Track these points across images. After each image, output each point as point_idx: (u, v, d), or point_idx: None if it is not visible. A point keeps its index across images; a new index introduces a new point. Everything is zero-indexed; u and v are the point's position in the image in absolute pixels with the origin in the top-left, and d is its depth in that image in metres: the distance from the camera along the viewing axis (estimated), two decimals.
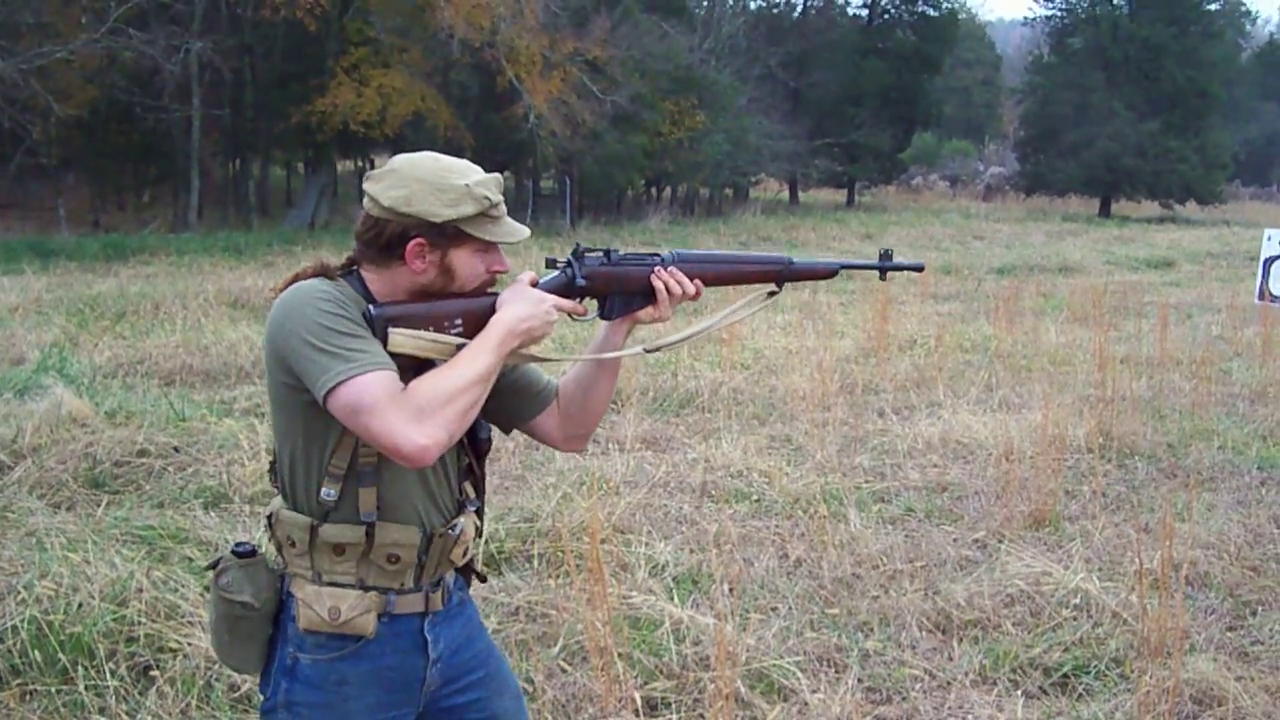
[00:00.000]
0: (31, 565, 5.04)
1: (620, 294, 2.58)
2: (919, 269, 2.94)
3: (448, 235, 2.34)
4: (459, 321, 2.40)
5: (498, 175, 2.42)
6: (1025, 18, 57.81)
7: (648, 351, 2.68)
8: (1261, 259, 13.72)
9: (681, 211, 40.46)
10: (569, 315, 2.53)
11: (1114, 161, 47.80)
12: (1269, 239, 12.91)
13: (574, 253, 2.57)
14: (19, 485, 6.68)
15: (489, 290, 2.47)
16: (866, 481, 7.47)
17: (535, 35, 28.87)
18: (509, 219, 2.43)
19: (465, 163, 2.41)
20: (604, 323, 2.62)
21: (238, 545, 2.43)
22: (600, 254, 2.57)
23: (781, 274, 2.71)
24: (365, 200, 2.38)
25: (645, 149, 33.66)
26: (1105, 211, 49.36)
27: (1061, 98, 49.74)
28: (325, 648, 2.38)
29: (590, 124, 30.02)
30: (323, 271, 2.39)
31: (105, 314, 13.65)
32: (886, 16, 51.48)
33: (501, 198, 2.40)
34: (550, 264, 2.61)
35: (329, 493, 2.33)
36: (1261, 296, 13.44)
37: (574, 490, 6.72)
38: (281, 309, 2.29)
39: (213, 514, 6.33)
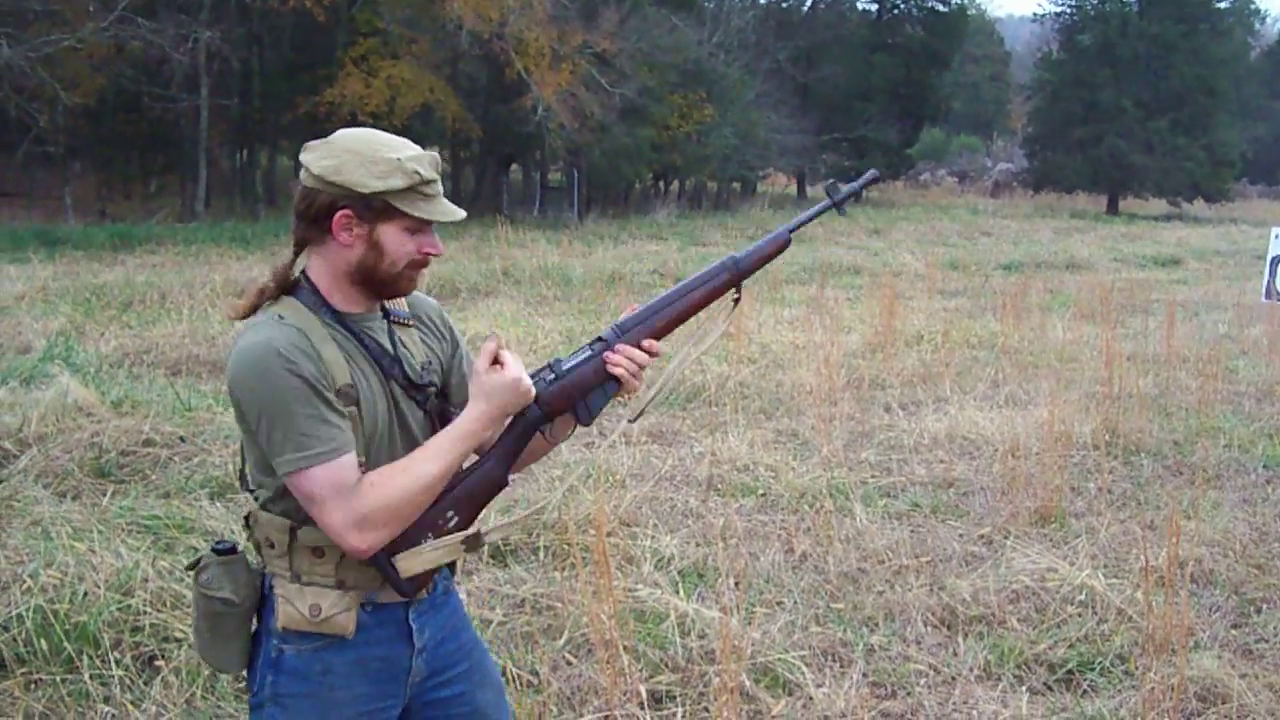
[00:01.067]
0: (37, 554, 5.05)
1: (583, 398, 2.50)
2: (875, 179, 2.80)
3: (375, 209, 2.29)
4: (451, 514, 2.41)
5: (434, 154, 2.37)
6: (1034, 14, 57.53)
7: (631, 422, 2.64)
8: (1269, 257, 13.65)
9: (689, 205, 40.43)
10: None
11: (1122, 159, 47.70)
12: (1276, 237, 12.84)
13: None
14: (25, 474, 6.68)
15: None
16: (872, 476, 7.47)
17: (544, 27, 28.84)
18: (444, 199, 2.38)
19: (403, 140, 2.37)
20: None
21: (218, 543, 2.43)
22: (545, 370, 2.49)
23: (733, 279, 2.59)
24: (301, 171, 2.35)
25: (653, 142, 33.64)
26: (1113, 208, 49.23)
27: (1070, 94, 49.62)
28: (309, 638, 2.38)
29: (598, 117, 30.01)
30: (281, 286, 2.36)
31: (111, 303, 13.66)
32: (896, 11, 51.36)
33: (436, 176, 2.35)
34: None
35: None
36: (1269, 295, 13.37)
37: (580, 483, 6.71)
38: (241, 365, 2.28)
39: (218, 504, 6.33)
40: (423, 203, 2.33)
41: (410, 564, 2.36)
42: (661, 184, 42.71)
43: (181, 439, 7.41)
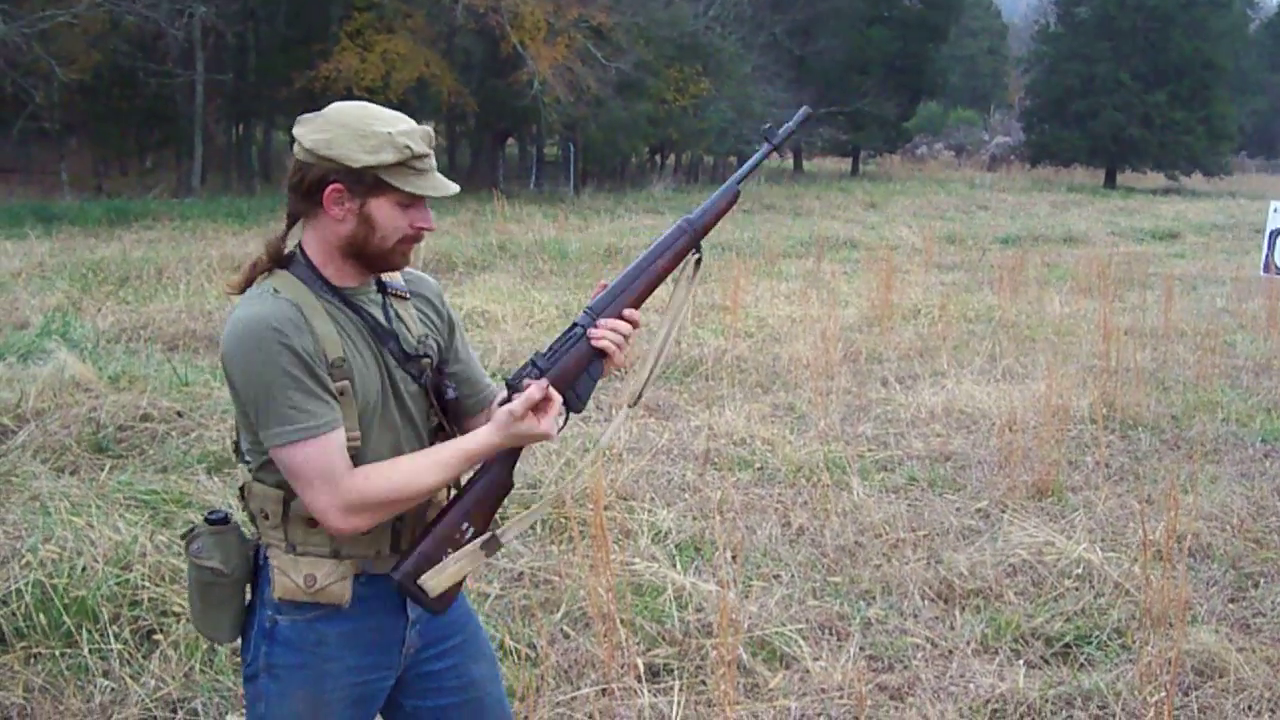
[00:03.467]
0: (35, 529, 5.06)
1: (573, 385, 2.48)
2: (806, 117, 2.77)
3: (366, 183, 2.28)
4: (466, 526, 2.41)
5: (427, 129, 2.35)
6: None
7: (631, 406, 2.60)
8: (1267, 231, 13.63)
9: (685, 179, 40.40)
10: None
11: (1120, 132, 47.61)
12: (1275, 211, 12.82)
13: (508, 385, 2.47)
14: (23, 449, 6.68)
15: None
16: (869, 450, 7.47)
17: (539, 1, 28.72)
18: (437, 174, 2.36)
19: (397, 114, 2.35)
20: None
21: (211, 513, 2.43)
22: (528, 367, 2.46)
23: (691, 239, 2.59)
24: (294, 145, 2.34)
25: (649, 116, 33.52)
26: (1110, 182, 49.19)
27: (1068, 67, 49.48)
28: (303, 608, 2.38)
29: (594, 91, 29.88)
30: (274, 258, 2.35)
31: (108, 279, 13.64)
32: None
33: (429, 151, 2.33)
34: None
35: None
36: (1267, 269, 13.36)
37: (577, 456, 6.72)
38: (233, 340, 2.26)
39: (215, 478, 6.33)
40: (414, 177, 2.31)
41: (437, 582, 2.36)
42: (658, 158, 42.64)
43: (178, 414, 7.42)
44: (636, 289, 2.54)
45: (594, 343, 2.46)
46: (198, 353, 9.79)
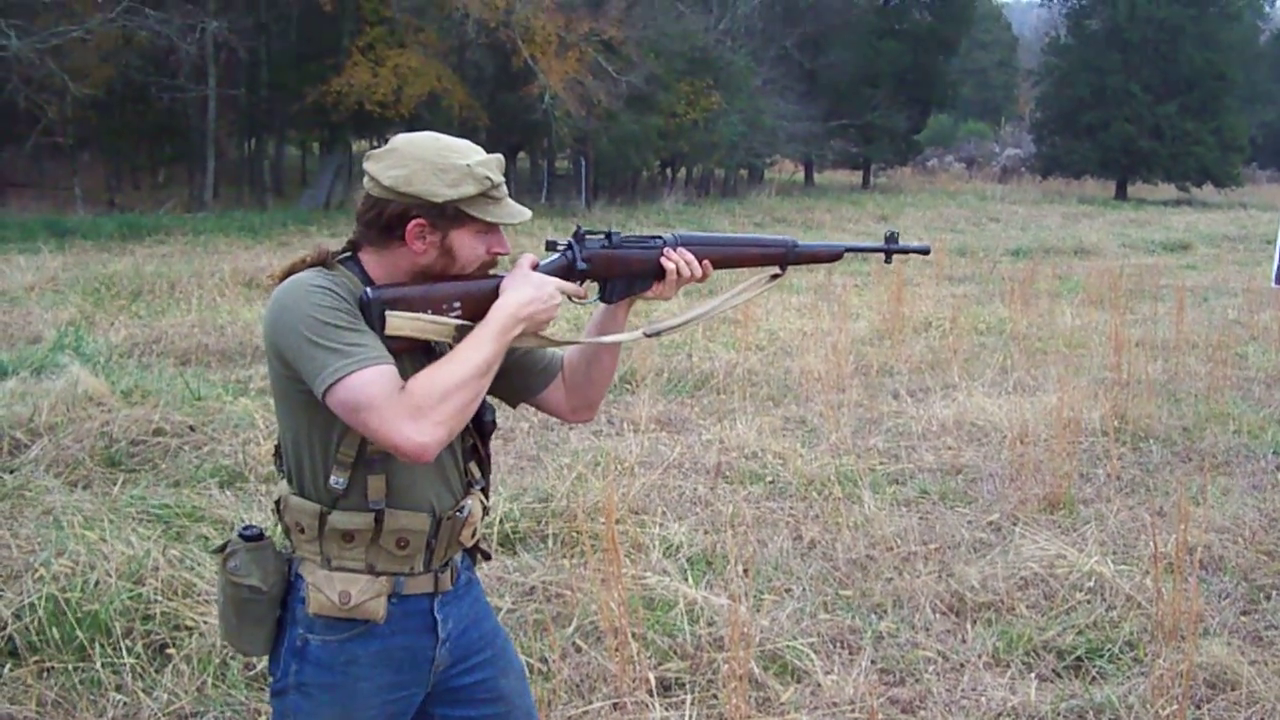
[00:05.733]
0: (48, 543, 5.07)
1: (622, 277, 2.54)
2: (925, 251, 2.86)
3: (448, 216, 2.32)
4: (457, 304, 2.38)
5: (499, 156, 2.39)
6: None
7: (648, 336, 2.63)
8: (1278, 242, 13.62)
9: (696, 192, 40.39)
10: (569, 298, 2.50)
11: (1130, 144, 47.58)
12: None
13: (574, 235, 2.53)
14: (36, 464, 6.71)
15: (490, 274, 2.45)
16: (881, 463, 7.47)
17: (551, 15, 28.79)
18: (510, 200, 2.41)
19: (466, 143, 2.39)
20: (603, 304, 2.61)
21: (245, 529, 2.43)
22: (601, 236, 2.53)
23: (785, 256, 2.65)
24: (366, 180, 2.36)
25: (660, 130, 33.56)
26: (1121, 194, 49.12)
27: (1078, 79, 49.46)
28: (335, 629, 2.38)
29: (605, 104, 29.93)
30: (321, 259, 2.37)
31: (121, 293, 13.69)
32: None
33: (503, 179, 2.38)
34: (550, 246, 2.56)
35: (338, 480, 2.32)
36: (1278, 280, 13.34)
37: (589, 471, 6.72)
38: (278, 303, 2.28)
39: (228, 493, 6.35)
40: (493, 206, 2.36)
41: (399, 323, 2.30)
42: (669, 171, 42.64)
43: (191, 428, 7.44)
44: (725, 252, 2.62)
45: (663, 259, 2.53)
46: (210, 367, 9.83)
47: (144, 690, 4.23)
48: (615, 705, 4.26)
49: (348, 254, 2.42)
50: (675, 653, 4.66)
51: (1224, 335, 11.16)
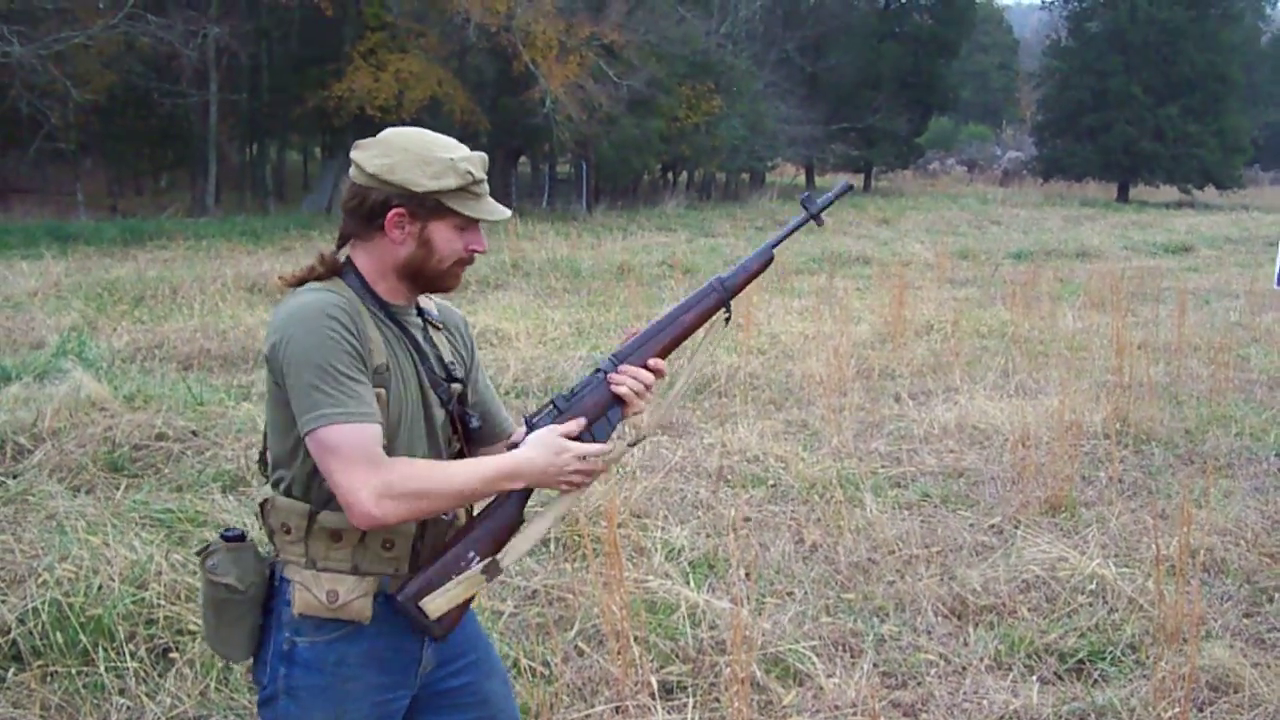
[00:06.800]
0: (52, 548, 5.08)
1: (596, 421, 2.52)
2: (847, 189, 2.82)
3: (428, 207, 2.36)
4: (472, 555, 2.43)
5: (483, 154, 2.43)
6: (1043, 1, 57.37)
7: (632, 446, 2.62)
8: None
9: (698, 196, 40.42)
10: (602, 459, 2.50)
11: (1132, 146, 47.61)
12: None
13: (525, 423, 2.53)
14: (39, 469, 6.71)
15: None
16: (883, 467, 7.47)
17: (551, 19, 28.79)
18: (491, 199, 2.45)
19: (452, 140, 2.43)
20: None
21: (227, 530, 2.45)
22: (549, 409, 2.52)
23: (722, 299, 2.65)
24: (352, 169, 2.40)
25: (661, 133, 33.55)
26: (1123, 196, 49.14)
27: (1079, 82, 49.49)
28: (323, 629, 2.39)
29: (606, 108, 29.92)
30: (334, 270, 2.41)
31: (123, 298, 13.69)
32: (904, 0, 51.23)
33: (485, 176, 2.41)
34: (511, 448, 2.53)
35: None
36: None
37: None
38: (290, 324, 2.30)
39: (231, 497, 6.36)
40: (473, 201, 2.40)
41: (437, 605, 2.37)
42: (670, 175, 42.67)
43: (193, 433, 7.45)
44: (663, 340, 2.60)
45: (614, 388, 2.52)
46: (212, 371, 9.84)
47: (147, 694, 4.24)
48: (617, 709, 4.27)
49: (346, 262, 2.45)
50: (677, 656, 4.66)
51: (1226, 337, 11.17)
